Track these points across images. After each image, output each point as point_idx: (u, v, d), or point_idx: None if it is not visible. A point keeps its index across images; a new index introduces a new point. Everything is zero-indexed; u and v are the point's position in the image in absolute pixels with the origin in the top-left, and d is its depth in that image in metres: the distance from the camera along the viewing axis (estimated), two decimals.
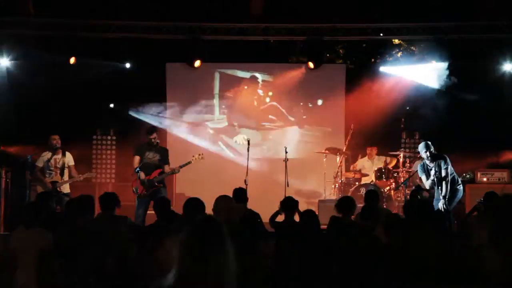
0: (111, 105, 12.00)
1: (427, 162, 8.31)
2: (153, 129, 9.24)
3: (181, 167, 8.92)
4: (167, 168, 8.91)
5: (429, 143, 8.34)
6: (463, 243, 6.31)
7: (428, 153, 8.23)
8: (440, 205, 8.09)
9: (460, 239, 6.46)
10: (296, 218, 6.45)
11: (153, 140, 8.91)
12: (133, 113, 11.89)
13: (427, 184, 8.38)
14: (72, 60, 10.97)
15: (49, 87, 10.96)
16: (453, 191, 8.25)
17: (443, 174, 8.16)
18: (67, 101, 11.33)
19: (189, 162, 9.01)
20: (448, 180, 8.15)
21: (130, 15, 10.95)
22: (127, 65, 11.46)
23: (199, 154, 9.25)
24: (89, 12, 10.86)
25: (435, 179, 8.18)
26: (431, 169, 8.28)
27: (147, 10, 11.01)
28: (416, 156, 10.54)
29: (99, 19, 10.99)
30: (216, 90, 12.11)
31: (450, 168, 8.23)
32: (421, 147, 8.39)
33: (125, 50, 11.33)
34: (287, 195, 7.10)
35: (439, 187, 8.20)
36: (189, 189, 10.46)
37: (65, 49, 10.88)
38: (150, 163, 8.86)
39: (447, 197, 8.11)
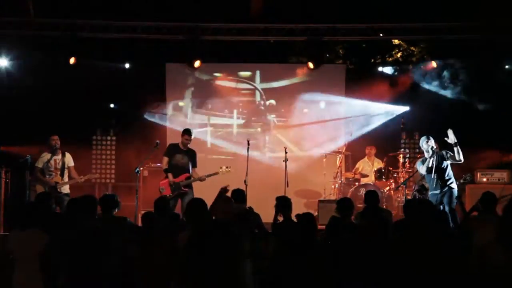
0: (111, 105, 11.99)
1: (426, 154, 8.48)
2: (187, 131, 9.26)
3: (207, 176, 9.02)
4: (194, 173, 9.07)
5: (430, 136, 8.59)
6: (463, 243, 6.32)
7: (428, 143, 8.43)
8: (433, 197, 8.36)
9: (460, 239, 6.47)
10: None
11: (185, 141, 9.07)
12: (132, 113, 11.87)
13: (422, 169, 8.60)
14: (72, 60, 10.96)
15: (49, 87, 10.95)
16: (448, 187, 8.46)
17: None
18: (67, 101, 11.33)
19: (216, 173, 9.11)
20: (449, 173, 8.49)
21: (130, 15, 10.95)
22: (127, 65, 11.46)
23: (227, 167, 9.26)
24: (89, 12, 10.86)
25: (432, 166, 8.38)
26: (428, 159, 8.49)
27: (147, 10, 11.01)
28: (416, 157, 10.55)
29: (99, 19, 10.99)
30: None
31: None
32: (422, 140, 8.66)
33: (125, 50, 11.33)
34: (286, 195, 7.10)
35: (435, 175, 8.40)
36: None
37: (65, 49, 10.88)
38: (179, 165, 9.03)
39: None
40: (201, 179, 9.03)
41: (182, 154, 9.10)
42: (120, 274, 5.24)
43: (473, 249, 5.72)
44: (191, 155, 9.18)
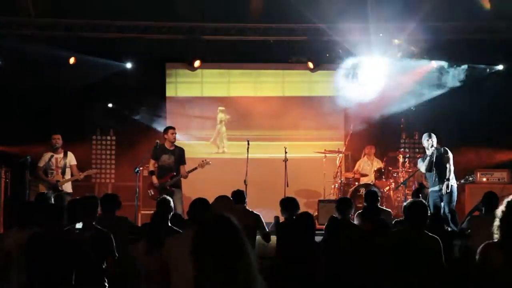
0: (111, 105, 11.97)
1: (428, 152, 8.48)
2: (170, 126, 9.29)
3: (188, 172, 9.00)
4: (181, 170, 9.01)
5: (432, 133, 8.61)
6: (463, 243, 6.32)
7: (430, 141, 8.44)
8: (444, 187, 8.35)
9: (460, 239, 6.47)
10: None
11: (171, 135, 9.02)
12: (132, 113, 11.86)
13: (422, 166, 8.62)
14: (72, 60, 10.97)
15: (49, 87, 10.95)
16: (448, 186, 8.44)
17: (448, 163, 8.46)
18: (67, 101, 11.33)
19: (195, 168, 9.07)
20: (451, 170, 8.45)
21: (130, 15, 10.94)
22: (127, 65, 11.45)
23: (204, 160, 9.27)
24: (89, 12, 10.85)
25: (432, 163, 8.41)
26: (429, 156, 8.49)
27: (147, 10, 11.00)
28: (416, 156, 10.56)
29: (99, 19, 10.98)
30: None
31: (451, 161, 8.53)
32: (423, 137, 8.68)
33: (125, 49, 11.33)
34: (287, 195, 7.10)
35: (435, 172, 8.41)
36: (190, 190, 10.45)
37: (65, 49, 10.88)
38: (165, 166, 9.00)
39: (450, 182, 8.40)
40: (183, 176, 8.98)
41: (169, 154, 9.04)
42: (120, 273, 5.26)
43: (472, 250, 5.74)
44: (179, 154, 9.10)
